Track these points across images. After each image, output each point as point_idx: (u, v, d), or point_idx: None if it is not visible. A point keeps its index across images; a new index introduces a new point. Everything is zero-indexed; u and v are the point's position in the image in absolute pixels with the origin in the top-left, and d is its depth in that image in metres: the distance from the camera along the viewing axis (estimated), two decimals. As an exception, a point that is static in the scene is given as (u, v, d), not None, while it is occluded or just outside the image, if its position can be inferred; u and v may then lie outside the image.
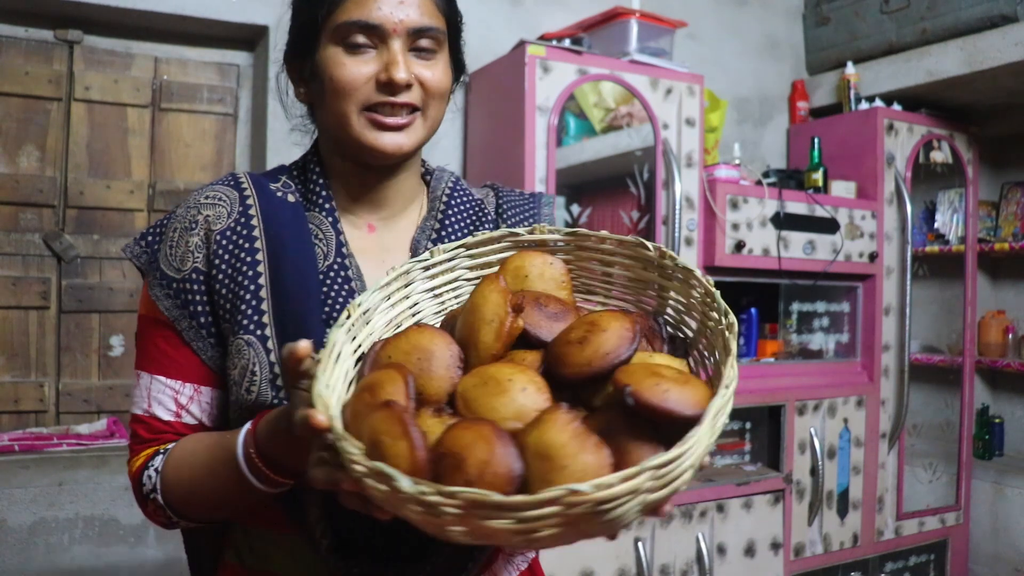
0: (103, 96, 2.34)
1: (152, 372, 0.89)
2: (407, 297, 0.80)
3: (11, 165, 2.26)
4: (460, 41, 0.98)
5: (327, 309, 0.87)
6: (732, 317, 0.66)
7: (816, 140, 2.82)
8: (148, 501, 0.86)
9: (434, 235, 0.96)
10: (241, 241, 0.88)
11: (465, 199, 1.00)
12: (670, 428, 0.57)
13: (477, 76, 2.43)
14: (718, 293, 0.69)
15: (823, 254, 2.67)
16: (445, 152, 2.52)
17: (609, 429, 0.59)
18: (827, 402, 2.67)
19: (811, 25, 3.24)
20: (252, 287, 0.86)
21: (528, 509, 0.49)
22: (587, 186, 2.50)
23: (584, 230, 0.80)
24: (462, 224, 0.98)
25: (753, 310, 2.69)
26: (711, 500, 2.41)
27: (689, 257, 2.43)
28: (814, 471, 2.62)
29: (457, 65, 0.98)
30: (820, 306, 2.85)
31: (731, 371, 0.60)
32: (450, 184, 1.01)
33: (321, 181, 0.94)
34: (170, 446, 0.87)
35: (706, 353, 0.72)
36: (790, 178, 2.77)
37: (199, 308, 0.88)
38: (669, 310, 0.77)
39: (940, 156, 3.02)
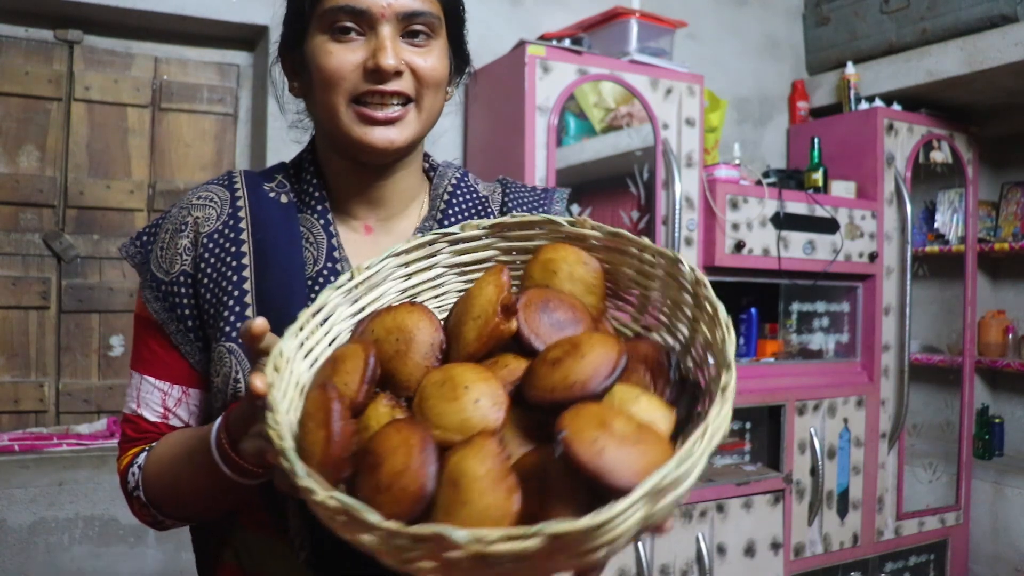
0: (103, 96, 2.34)
1: (142, 372, 0.88)
2: (409, 277, 0.74)
3: (11, 165, 2.26)
4: (463, 31, 0.93)
5: None
6: (729, 375, 0.55)
7: (816, 140, 2.82)
8: (133, 499, 0.85)
9: None
10: (228, 245, 0.86)
11: (468, 196, 0.96)
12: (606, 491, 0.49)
13: (477, 76, 2.42)
14: (731, 344, 0.58)
15: (823, 254, 2.67)
16: (445, 152, 2.52)
17: (543, 472, 0.52)
18: (827, 402, 2.67)
19: (811, 25, 3.24)
20: (236, 293, 0.84)
21: (396, 538, 0.45)
22: (587, 186, 2.50)
23: (627, 233, 0.69)
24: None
25: (753, 310, 2.69)
26: (711, 500, 2.41)
27: (689, 257, 2.43)
28: (814, 471, 2.62)
29: (459, 56, 0.93)
30: (820, 306, 2.85)
31: (703, 434, 0.50)
32: (453, 181, 0.96)
33: (315, 181, 0.91)
34: (155, 444, 0.86)
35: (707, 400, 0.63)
36: (790, 178, 2.77)
37: (186, 312, 0.86)
38: (698, 346, 0.64)
39: (940, 156, 3.02)
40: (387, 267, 0.73)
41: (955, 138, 3.05)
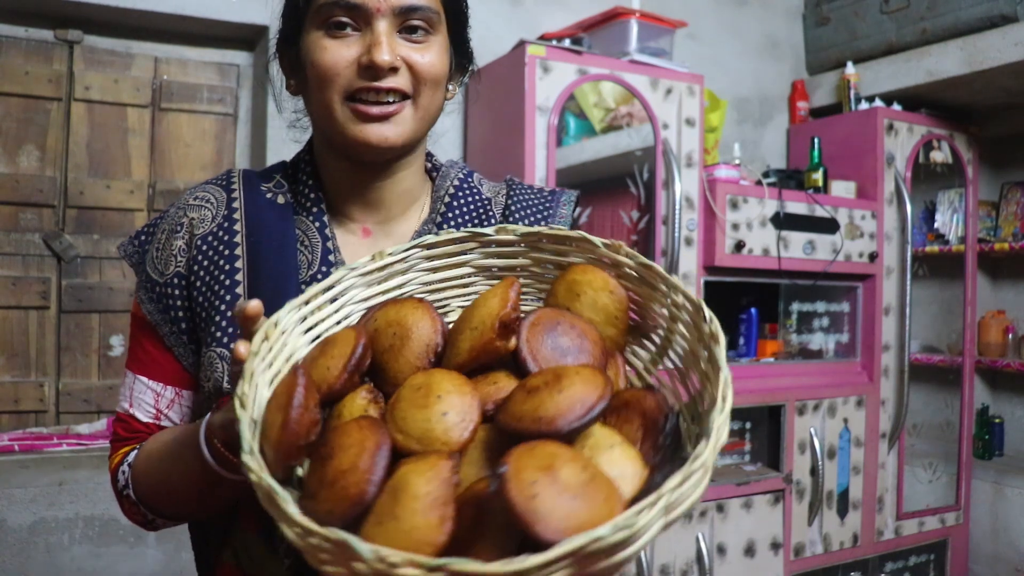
0: (103, 96, 2.34)
1: (136, 372, 0.88)
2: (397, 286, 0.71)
3: (11, 165, 2.26)
4: (465, 27, 0.90)
5: None
6: (706, 446, 0.49)
7: (816, 140, 2.82)
8: (124, 498, 0.85)
9: None
10: (222, 247, 0.84)
11: (470, 199, 0.92)
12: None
13: (477, 76, 2.43)
14: (720, 413, 0.52)
15: (823, 254, 2.67)
16: (444, 153, 2.52)
17: (484, 504, 0.49)
18: (827, 402, 2.67)
19: (811, 25, 3.24)
20: (228, 297, 0.82)
21: (311, 536, 0.44)
22: (587, 186, 2.50)
23: (658, 267, 0.64)
24: (462, 228, 0.90)
25: (753, 310, 2.69)
26: (711, 500, 2.41)
27: (689, 257, 2.43)
28: (814, 471, 2.62)
29: (461, 53, 0.90)
30: (820, 306, 2.85)
31: (653, 503, 0.44)
32: (456, 182, 0.93)
33: (311, 182, 0.89)
34: (145, 442, 0.85)
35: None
36: (790, 178, 2.77)
37: (179, 314, 0.85)
38: (705, 404, 0.58)
39: (940, 156, 3.02)
40: (413, 256, 0.71)
41: (955, 138, 3.05)
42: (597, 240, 0.68)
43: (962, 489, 3.02)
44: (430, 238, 0.72)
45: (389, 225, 0.91)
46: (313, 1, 0.81)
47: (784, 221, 2.58)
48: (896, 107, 2.92)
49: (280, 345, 0.63)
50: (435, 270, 0.73)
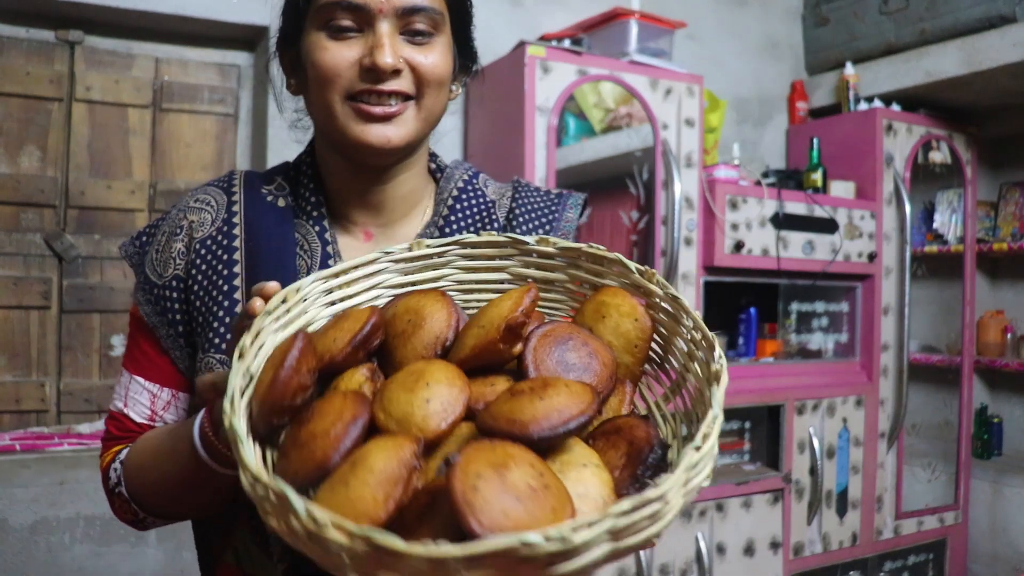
0: (104, 96, 2.35)
1: (133, 372, 0.87)
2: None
3: (12, 165, 2.27)
4: (469, 27, 0.88)
5: None
6: (670, 485, 0.46)
7: (815, 140, 2.83)
8: (115, 496, 0.84)
9: None
10: (220, 252, 0.83)
11: (474, 202, 0.91)
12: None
13: (480, 76, 2.43)
14: (698, 458, 0.49)
15: (822, 254, 2.68)
16: (445, 153, 2.51)
17: (438, 495, 0.49)
18: (826, 402, 2.67)
19: (810, 26, 3.24)
20: (226, 303, 0.82)
21: (257, 485, 0.46)
22: (587, 186, 2.49)
23: (684, 301, 0.63)
24: (464, 231, 0.88)
25: (752, 310, 2.70)
26: (710, 499, 2.42)
27: (688, 257, 2.44)
28: (813, 471, 2.62)
29: (465, 52, 0.88)
30: (819, 306, 2.86)
31: (591, 524, 0.41)
32: (460, 184, 0.91)
33: (312, 185, 0.87)
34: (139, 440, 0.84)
35: None
36: (789, 178, 2.77)
37: (177, 317, 0.85)
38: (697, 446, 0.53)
39: (939, 156, 3.02)
40: (450, 253, 0.72)
41: (954, 138, 3.06)
42: (632, 265, 0.67)
43: (961, 489, 3.02)
44: (470, 237, 0.71)
45: (391, 228, 0.89)
46: (314, 1, 0.79)
47: (783, 221, 2.59)
48: (895, 107, 2.93)
49: (299, 312, 0.64)
50: (471, 270, 0.72)
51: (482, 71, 0.96)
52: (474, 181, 0.93)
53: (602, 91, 2.46)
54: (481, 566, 0.40)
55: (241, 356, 0.56)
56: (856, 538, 2.75)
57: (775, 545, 2.56)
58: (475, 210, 0.91)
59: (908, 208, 2.85)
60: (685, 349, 0.63)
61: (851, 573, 2.77)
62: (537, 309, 0.71)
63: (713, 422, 0.51)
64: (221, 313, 0.81)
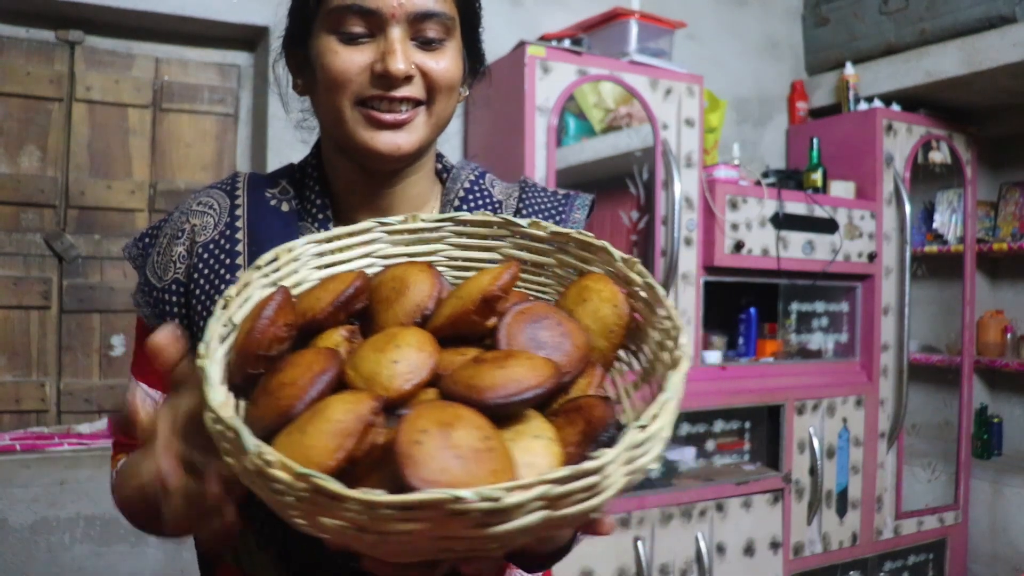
0: (104, 96, 2.35)
1: (137, 378, 0.86)
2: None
3: (12, 165, 2.27)
4: (479, 29, 0.87)
5: None
6: (600, 464, 0.46)
7: (815, 140, 2.83)
8: (115, 503, 0.82)
9: None
10: (223, 256, 0.83)
11: (480, 201, 0.90)
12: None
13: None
14: (643, 450, 0.49)
15: (822, 254, 2.68)
16: (445, 153, 2.53)
17: (388, 449, 0.50)
18: (826, 402, 2.68)
19: (810, 25, 3.24)
20: None
21: (218, 423, 0.48)
22: (587, 186, 2.49)
23: (661, 292, 0.63)
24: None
25: (752, 310, 2.70)
26: (710, 499, 2.42)
27: (688, 257, 2.44)
28: (813, 471, 2.62)
29: (474, 55, 0.87)
30: (819, 306, 2.86)
31: (528, 486, 0.42)
32: (467, 185, 0.90)
33: (317, 188, 0.86)
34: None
35: None
36: (789, 178, 2.77)
37: (176, 320, 0.83)
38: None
39: (939, 156, 3.03)
40: (444, 228, 0.73)
41: (954, 138, 3.06)
42: (616, 253, 0.67)
43: (961, 488, 3.03)
44: (464, 215, 0.72)
45: None
46: (326, 3, 0.77)
47: (783, 221, 2.59)
48: (895, 107, 2.93)
49: (290, 271, 0.66)
50: (464, 247, 0.73)
51: (489, 71, 0.95)
52: (480, 181, 0.93)
53: (602, 91, 2.46)
54: (415, 518, 0.42)
55: (226, 306, 0.58)
56: (856, 538, 2.76)
57: (775, 545, 2.56)
58: (481, 210, 0.90)
59: (908, 208, 2.85)
60: (657, 338, 0.63)
61: (851, 573, 2.77)
62: (525, 291, 0.71)
63: (663, 404, 0.51)
64: None
